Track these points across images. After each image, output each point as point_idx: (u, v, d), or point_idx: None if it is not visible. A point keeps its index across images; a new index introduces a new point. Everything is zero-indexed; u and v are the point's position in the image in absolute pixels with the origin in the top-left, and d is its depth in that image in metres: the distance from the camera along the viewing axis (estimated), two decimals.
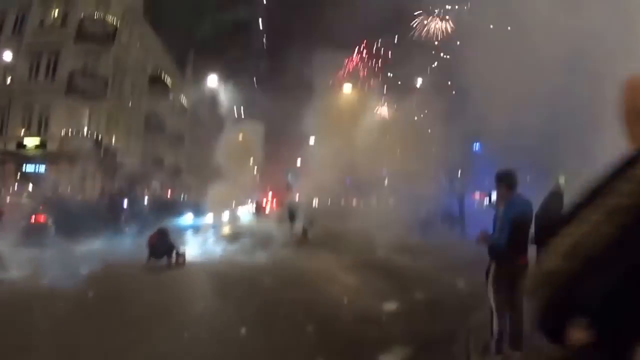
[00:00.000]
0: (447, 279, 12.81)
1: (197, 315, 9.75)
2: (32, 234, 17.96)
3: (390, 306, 10.23)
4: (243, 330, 8.48)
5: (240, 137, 69.89)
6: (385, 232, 25.06)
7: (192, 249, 18.98)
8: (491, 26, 22.57)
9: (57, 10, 36.91)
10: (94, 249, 17.48)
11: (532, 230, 7.11)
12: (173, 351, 7.40)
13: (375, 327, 8.63)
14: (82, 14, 36.02)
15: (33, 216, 19.79)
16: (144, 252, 15.45)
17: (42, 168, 35.00)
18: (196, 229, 28.48)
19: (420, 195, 31.15)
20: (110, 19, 37.22)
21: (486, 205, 38.57)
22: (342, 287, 12.76)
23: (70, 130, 35.38)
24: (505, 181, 6.86)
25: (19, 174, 33.86)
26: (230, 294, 11.70)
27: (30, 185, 29.36)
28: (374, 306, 10.19)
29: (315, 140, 51.46)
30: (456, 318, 8.93)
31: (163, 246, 15.45)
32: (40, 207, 21.48)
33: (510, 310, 6.65)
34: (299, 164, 48.51)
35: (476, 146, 30.76)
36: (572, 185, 8.54)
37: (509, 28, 21.51)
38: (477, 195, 38.98)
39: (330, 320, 9.04)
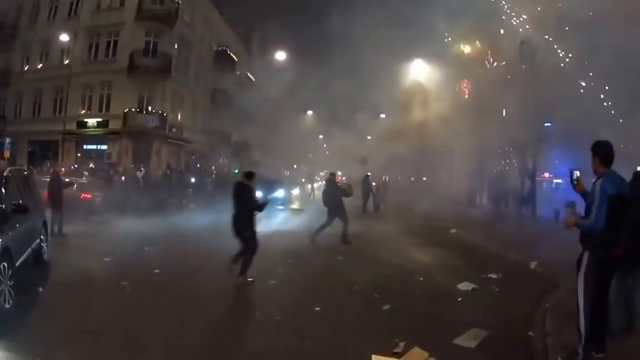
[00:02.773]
0: (520, 259, 12.75)
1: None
2: (81, 210, 18.12)
3: (464, 286, 9.76)
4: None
5: (310, 114, 69.79)
6: (452, 208, 24.54)
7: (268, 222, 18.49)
8: None
9: None
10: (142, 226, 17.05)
11: None
12: None
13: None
14: None
15: (81, 193, 19.72)
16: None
17: (104, 146, 35.31)
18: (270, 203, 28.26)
19: (490, 172, 30.34)
20: None
21: (554, 186, 37.25)
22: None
23: (133, 108, 35.24)
24: (600, 152, 5.52)
25: (78, 153, 34.38)
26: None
27: (91, 164, 29.59)
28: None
29: (385, 115, 50.93)
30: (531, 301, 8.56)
31: None
32: (88, 184, 21.67)
33: (602, 309, 5.46)
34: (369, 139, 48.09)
35: (548, 127, 29.68)
36: None
37: None
38: (546, 176, 37.67)
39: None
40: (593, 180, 5.49)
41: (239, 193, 10.08)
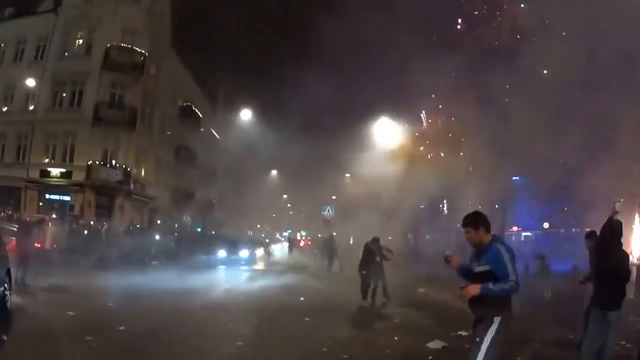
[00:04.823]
0: None
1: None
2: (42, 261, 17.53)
3: (435, 344, 9.77)
4: None
5: (275, 173, 70.16)
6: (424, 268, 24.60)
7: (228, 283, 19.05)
8: None
9: (81, 39, 37.08)
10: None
11: None
12: None
13: None
14: (108, 44, 35.90)
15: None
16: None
17: (66, 197, 34.86)
18: (230, 264, 28.56)
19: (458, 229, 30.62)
20: (138, 49, 36.98)
21: (523, 239, 37.90)
22: None
23: (97, 161, 35.02)
24: (483, 223, 5.65)
25: (40, 202, 33.86)
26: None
27: (54, 214, 29.21)
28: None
29: (350, 177, 51.68)
30: None
31: None
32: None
33: None
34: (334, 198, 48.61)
35: (516, 181, 30.50)
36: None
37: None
38: (515, 229, 38.34)
39: None
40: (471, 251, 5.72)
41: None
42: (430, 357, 9.00)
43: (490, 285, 5.24)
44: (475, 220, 5.59)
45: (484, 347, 5.27)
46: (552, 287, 19.10)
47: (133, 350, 8.61)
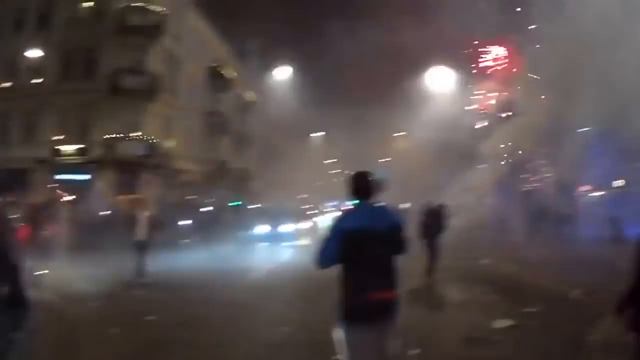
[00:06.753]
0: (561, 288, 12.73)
1: None
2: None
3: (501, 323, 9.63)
4: None
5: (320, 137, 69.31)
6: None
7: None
8: None
9: (90, 2, 36.35)
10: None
11: None
12: None
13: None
14: (121, 5, 35.10)
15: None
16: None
17: (82, 177, 34.30)
18: (272, 240, 28.25)
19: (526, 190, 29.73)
20: (155, 8, 36.06)
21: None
22: None
23: (117, 134, 34.48)
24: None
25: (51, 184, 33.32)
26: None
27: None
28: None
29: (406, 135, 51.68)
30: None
31: None
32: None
33: None
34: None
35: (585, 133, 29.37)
36: None
37: None
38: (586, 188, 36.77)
39: None
40: None
41: None
42: (497, 337, 8.90)
43: None
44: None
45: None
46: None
47: (163, 343, 8.76)
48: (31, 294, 4.64)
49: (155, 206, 27.22)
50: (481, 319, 10.12)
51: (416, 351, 7.77)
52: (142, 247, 14.83)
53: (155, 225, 15.49)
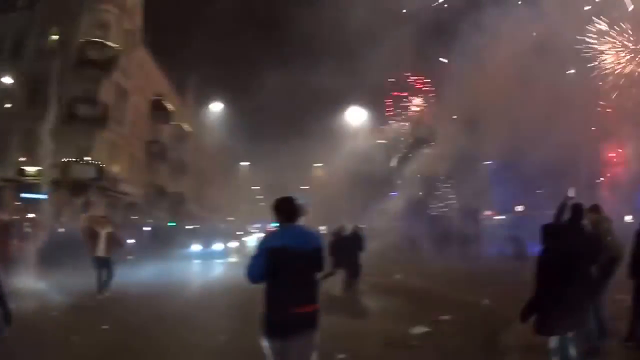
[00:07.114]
0: (470, 299, 13.47)
1: None
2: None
3: (417, 329, 10.36)
4: None
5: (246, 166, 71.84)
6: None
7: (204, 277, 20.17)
8: None
9: (56, 36, 38.08)
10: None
11: None
12: None
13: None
14: (81, 40, 37.13)
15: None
16: None
17: (41, 196, 35.92)
18: (204, 257, 29.94)
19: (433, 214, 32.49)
20: (111, 44, 38.19)
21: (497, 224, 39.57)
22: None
23: (71, 158, 36.12)
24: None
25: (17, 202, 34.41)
26: None
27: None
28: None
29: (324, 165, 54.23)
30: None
31: None
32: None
33: None
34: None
35: (489, 166, 32.26)
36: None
37: None
38: (489, 212, 40.13)
39: None
40: None
41: None
42: (415, 342, 9.59)
43: None
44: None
45: None
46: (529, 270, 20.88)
47: (118, 349, 9.36)
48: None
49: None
50: (399, 326, 10.64)
51: (341, 356, 8.44)
52: (102, 263, 15.12)
53: (115, 242, 15.85)
